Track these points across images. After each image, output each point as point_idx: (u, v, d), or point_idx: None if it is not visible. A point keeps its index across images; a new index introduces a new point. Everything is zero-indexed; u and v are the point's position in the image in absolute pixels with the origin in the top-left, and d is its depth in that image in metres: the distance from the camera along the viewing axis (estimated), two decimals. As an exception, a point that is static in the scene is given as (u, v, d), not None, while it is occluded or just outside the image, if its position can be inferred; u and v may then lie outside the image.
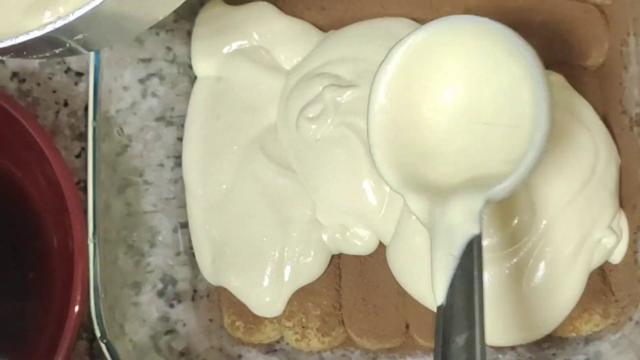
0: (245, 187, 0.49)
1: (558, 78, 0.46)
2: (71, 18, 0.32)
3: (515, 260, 0.45)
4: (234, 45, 0.51)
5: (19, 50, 0.35)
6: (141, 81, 0.49)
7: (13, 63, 0.60)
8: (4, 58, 0.49)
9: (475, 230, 0.33)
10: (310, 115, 0.47)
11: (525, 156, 0.34)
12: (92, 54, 0.45)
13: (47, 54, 0.38)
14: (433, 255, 0.34)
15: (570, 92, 0.47)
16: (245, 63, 0.50)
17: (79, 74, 0.59)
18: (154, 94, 0.50)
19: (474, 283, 0.32)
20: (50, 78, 0.59)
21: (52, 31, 0.32)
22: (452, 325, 0.32)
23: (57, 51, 0.37)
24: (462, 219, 0.33)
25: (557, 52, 0.46)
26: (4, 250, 0.54)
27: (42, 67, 0.59)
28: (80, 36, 0.35)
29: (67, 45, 0.36)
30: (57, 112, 0.59)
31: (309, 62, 0.49)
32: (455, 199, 0.34)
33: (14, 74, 0.59)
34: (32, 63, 0.59)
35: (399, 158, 0.38)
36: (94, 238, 0.44)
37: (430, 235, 0.34)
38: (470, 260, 0.33)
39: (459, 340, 0.31)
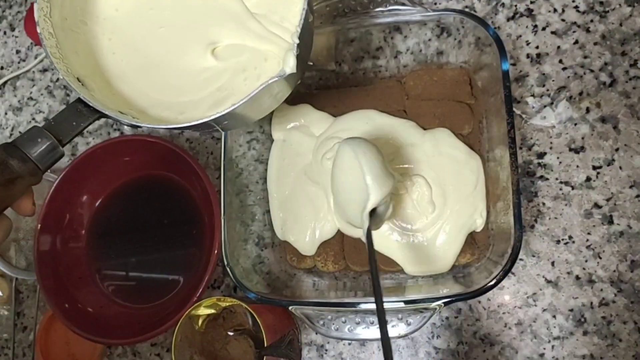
0: (297, 192, 0.61)
1: (447, 131, 0.59)
2: (220, 114, 0.40)
3: (431, 233, 0.57)
4: (292, 124, 0.63)
5: (198, 127, 0.43)
6: (248, 142, 0.62)
7: (187, 134, 0.72)
8: (191, 130, 0.52)
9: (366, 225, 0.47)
10: (328, 157, 0.60)
11: None
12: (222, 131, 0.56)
13: (207, 131, 0.49)
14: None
15: (457, 140, 0.58)
16: (297, 133, 0.63)
17: (218, 139, 0.69)
18: (253, 148, 0.62)
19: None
20: (204, 141, 0.71)
21: (212, 119, 0.41)
22: None
23: (211, 130, 0.46)
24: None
25: (449, 127, 0.59)
26: (182, 222, 0.68)
27: (201, 136, 0.71)
28: (225, 122, 0.44)
29: (216, 127, 0.45)
30: (207, 157, 0.71)
31: (327, 131, 0.61)
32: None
33: (187, 139, 0.72)
34: (195, 134, 0.71)
35: None
36: (223, 217, 0.56)
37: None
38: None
39: None
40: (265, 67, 0.45)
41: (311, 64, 0.61)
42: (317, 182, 0.62)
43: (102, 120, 0.76)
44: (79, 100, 0.43)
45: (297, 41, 0.41)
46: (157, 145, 0.65)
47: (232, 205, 0.59)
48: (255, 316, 0.56)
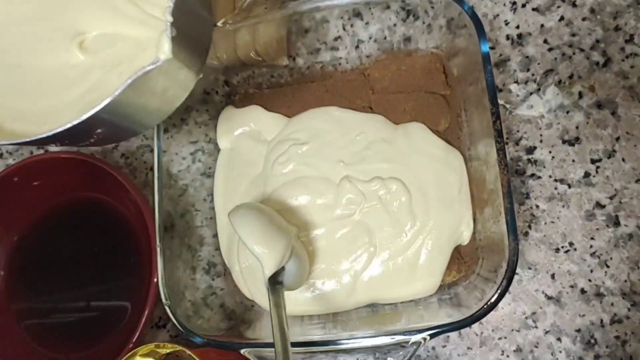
0: None
1: (421, 125, 0.51)
2: (78, 121, 0.33)
3: (411, 252, 0.50)
4: (240, 130, 0.56)
5: (56, 140, 0.36)
6: (192, 154, 0.55)
7: (122, 147, 0.63)
8: (58, 145, 0.40)
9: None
10: (280, 161, 0.53)
11: None
12: (156, 141, 0.50)
13: (83, 144, 0.40)
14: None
15: (434, 135, 0.51)
16: (246, 139, 0.56)
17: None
18: (199, 160, 0.56)
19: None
20: (142, 155, 0.63)
21: (68, 128, 0.33)
22: None
23: (85, 144, 0.40)
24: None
25: (423, 122, 0.52)
26: (118, 248, 0.59)
27: (137, 149, 0.62)
28: (99, 131, 0.37)
29: (91, 140, 0.39)
30: (147, 173, 0.62)
31: (281, 134, 0.55)
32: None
33: (122, 154, 0.63)
34: (132, 147, 0.63)
35: None
36: (159, 244, 0.48)
37: None
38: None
39: None
40: (144, 58, 0.37)
41: (260, 59, 0.55)
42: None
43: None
44: None
45: (171, 19, 0.34)
46: (83, 163, 0.55)
47: (175, 229, 0.51)
48: (202, 364, 0.46)
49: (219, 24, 0.52)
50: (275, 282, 0.44)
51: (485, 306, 0.42)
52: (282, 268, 0.45)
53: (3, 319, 0.58)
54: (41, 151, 0.65)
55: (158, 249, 0.48)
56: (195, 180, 0.56)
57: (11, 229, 0.60)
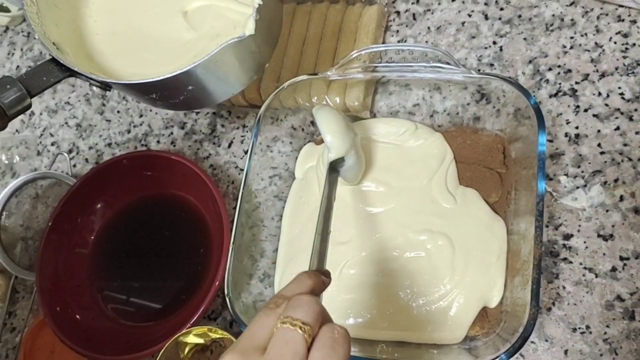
0: (304, 234, 0.61)
1: (476, 192, 0.58)
2: (179, 71, 0.45)
3: (445, 303, 0.55)
4: (312, 163, 0.64)
5: (160, 87, 0.47)
6: (270, 177, 0.63)
7: (212, 159, 0.71)
8: (168, 108, 0.57)
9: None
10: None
11: None
12: (247, 162, 0.57)
13: (173, 100, 0.50)
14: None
15: (485, 203, 0.57)
16: (314, 172, 0.63)
17: (241, 170, 0.69)
18: (275, 184, 0.64)
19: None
20: (227, 169, 0.71)
21: (169, 77, 0.45)
22: None
23: (178, 99, 0.49)
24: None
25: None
26: (191, 246, 0.67)
27: (224, 164, 0.71)
28: (190, 88, 0.47)
29: (184, 95, 0.48)
30: (228, 185, 0.71)
31: None
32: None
33: (211, 165, 0.72)
34: (220, 161, 0.71)
35: None
36: (232, 246, 0.55)
37: None
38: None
39: None
40: (235, 33, 0.48)
41: (345, 109, 0.63)
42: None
43: (131, 134, 0.78)
44: (52, 60, 0.48)
45: (260, 2, 0.45)
46: (180, 164, 0.66)
47: (244, 238, 0.58)
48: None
49: (320, 74, 0.61)
50: (333, 169, 0.54)
51: (497, 358, 0.48)
52: (342, 159, 0.54)
53: (85, 281, 0.69)
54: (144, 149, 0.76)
55: (230, 249, 0.56)
56: (268, 200, 0.64)
57: (110, 205, 0.71)
